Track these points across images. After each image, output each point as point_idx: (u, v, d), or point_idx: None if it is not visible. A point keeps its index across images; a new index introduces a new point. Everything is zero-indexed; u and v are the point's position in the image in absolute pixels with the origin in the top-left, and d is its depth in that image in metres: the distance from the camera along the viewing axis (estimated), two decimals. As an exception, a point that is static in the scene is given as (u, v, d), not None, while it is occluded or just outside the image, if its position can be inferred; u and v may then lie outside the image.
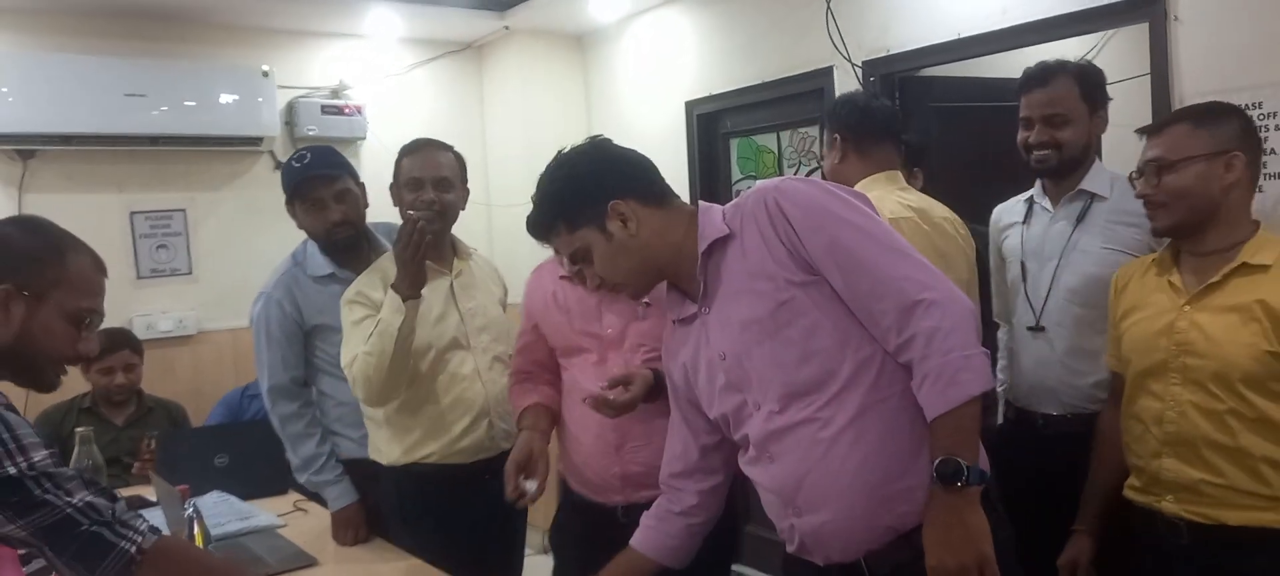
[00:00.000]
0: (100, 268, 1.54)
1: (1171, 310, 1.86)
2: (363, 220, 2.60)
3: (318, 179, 2.51)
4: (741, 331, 1.57)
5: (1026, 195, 2.44)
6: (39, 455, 1.29)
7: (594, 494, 2.13)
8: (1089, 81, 2.25)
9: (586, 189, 1.64)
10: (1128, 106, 3.05)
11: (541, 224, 1.70)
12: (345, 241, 2.56)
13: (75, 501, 1.30)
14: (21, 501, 1.25)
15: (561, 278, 2.13)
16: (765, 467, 1.62)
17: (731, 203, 1.65)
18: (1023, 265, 2.35)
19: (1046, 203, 2.34)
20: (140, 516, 1.41)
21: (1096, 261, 2.20)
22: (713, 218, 1.63)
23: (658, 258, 1.65)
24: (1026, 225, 2.38)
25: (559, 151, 1.73)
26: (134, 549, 1.35)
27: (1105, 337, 2.12)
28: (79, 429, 2.32)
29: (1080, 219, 2.25)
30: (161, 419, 3.52)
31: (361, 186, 2.59)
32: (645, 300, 2.03)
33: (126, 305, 4.05)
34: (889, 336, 1.48)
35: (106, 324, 3.34)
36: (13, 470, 1.24)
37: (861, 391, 1.51)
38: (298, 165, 2.54)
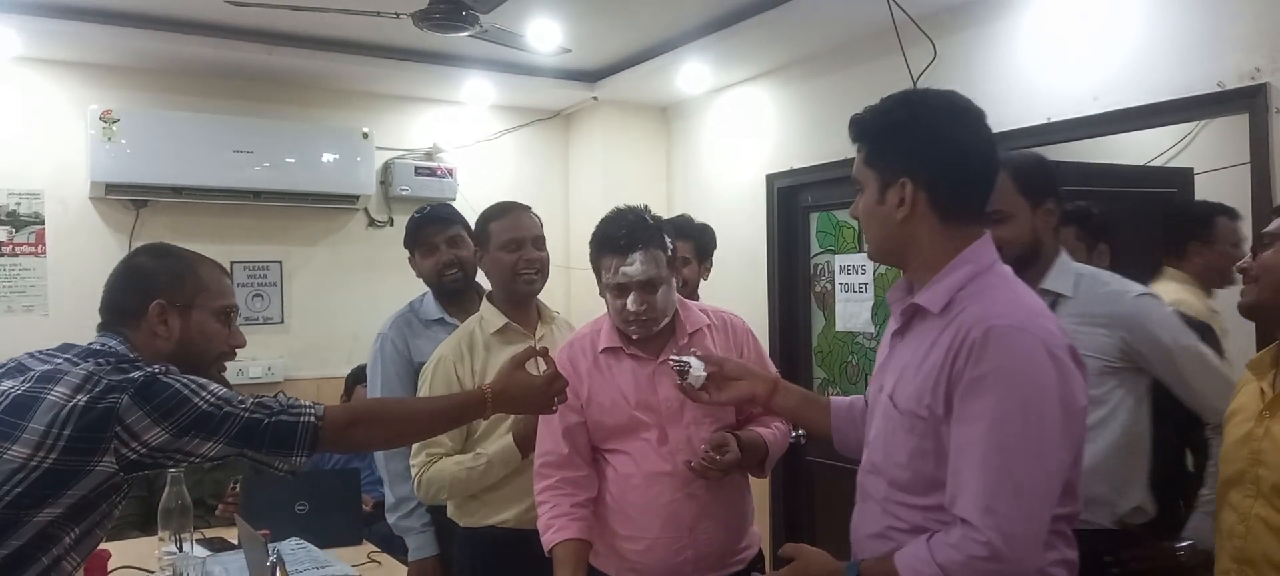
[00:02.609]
0: (225, 271, 1.83)
1: (1252, 417, 1.71)
2: (474, 271, 2.74)
3: (432, 224, 2.77)
4: (887, 397, 1.55)
5: None
6: (213, 386, 1.60)
7: None
8: (1025, 175, 2.08)
9: (903, 145, 1.49)
10: (1221, 193, 2.97)
11: (867, 123, 1.54)
12: (454, 284, 2.74)
13: (248, 406, 1.61)
14: (216, 424, 1.56)
15: (603, 351, 2.06)
16: (856, 496, 1.65)
17: (971, 280, 1.48)
18: None
19: None
20: (298, 399, 1.69)
21: None
22: (953, 282, 1.47)
23: (905, 256, 1.54)
24: None
25: (923, 90, 1.61)
26: (313, 418, 1.63)
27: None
28: (171, 470, 2.40)
29: None
30: (246, 463, 3.60)
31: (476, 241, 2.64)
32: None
33: (221, 351, 4.21)
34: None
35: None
36: (204, 405, 1.55)
37: (925, 517, 1.48)
38: (418, 216, 2.84)
